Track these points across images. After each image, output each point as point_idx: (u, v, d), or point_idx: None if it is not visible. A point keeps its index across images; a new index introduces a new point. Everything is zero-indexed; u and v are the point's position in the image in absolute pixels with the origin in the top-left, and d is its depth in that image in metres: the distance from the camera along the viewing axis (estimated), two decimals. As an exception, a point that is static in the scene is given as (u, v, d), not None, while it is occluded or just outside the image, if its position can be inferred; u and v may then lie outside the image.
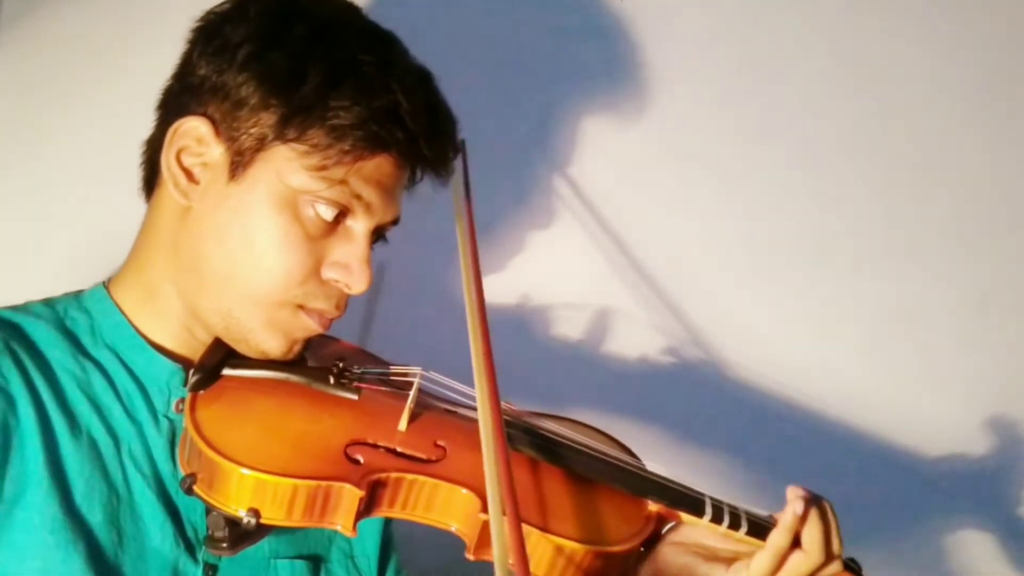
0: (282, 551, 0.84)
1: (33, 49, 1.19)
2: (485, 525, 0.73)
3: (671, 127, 1.27)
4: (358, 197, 0.78)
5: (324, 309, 0.80)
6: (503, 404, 0.86)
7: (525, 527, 0.74)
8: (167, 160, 0.79)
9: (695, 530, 0.83)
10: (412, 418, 0.81)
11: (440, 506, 0.76)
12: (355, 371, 0.85)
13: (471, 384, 0.77)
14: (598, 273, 1.27)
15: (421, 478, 0.75)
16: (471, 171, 0.92)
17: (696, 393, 1.29)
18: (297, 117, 0.75)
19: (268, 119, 0.76)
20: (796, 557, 0.79)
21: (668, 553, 0.83)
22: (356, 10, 0.84)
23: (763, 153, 1.29)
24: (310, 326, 0.81)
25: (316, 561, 0.87)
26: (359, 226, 0.80)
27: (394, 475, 0.74)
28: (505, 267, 1.24)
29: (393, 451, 0.77)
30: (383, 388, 0.86)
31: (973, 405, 1.31)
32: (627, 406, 1.21)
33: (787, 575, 0.79)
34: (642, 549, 0.83)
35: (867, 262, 1.30)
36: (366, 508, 0.73)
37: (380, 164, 0.79)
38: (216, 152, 0.78)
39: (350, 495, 0.71)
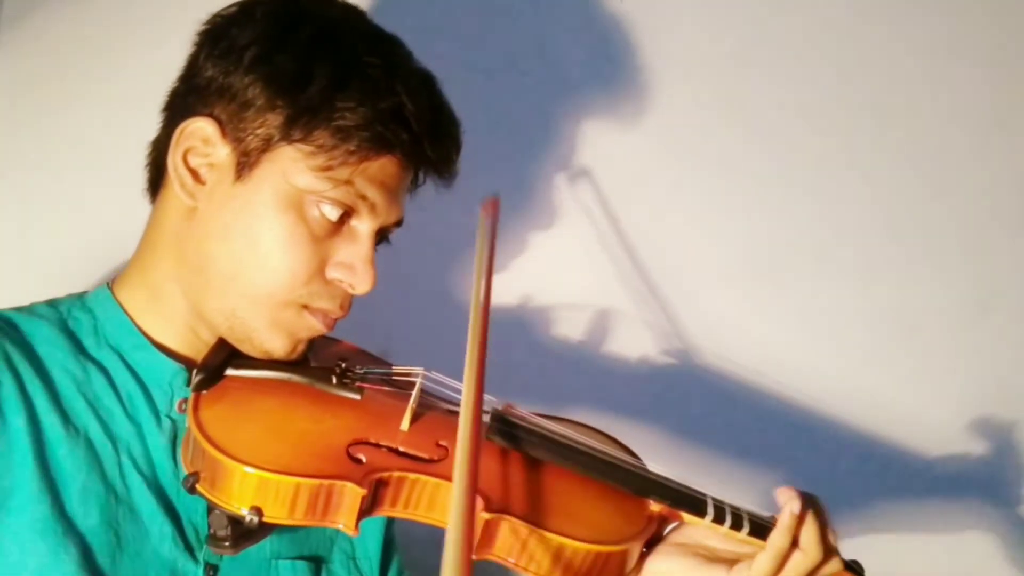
0: (283, 552, 0.84)
1: (33, 49, 1.19)
2: (486, 524, 0.74)
3: (672, 128, 1.27)
4: (363, 198, 0.79)
5: (328, 309, 0.81)
6: (504, 404, 0.86)
7: (527, 526, 0.75)
8: (173, 160, 0.79)
9: (697, 531, 0.83)
10: (414, 418, 0.82)
11: (442, 505, 0.76)
12: (358, 371, 0.86)
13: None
14: (599, 274, 1.27)
15: (423, 478, 0.75)
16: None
17: (697, 394, 1.29)
18: (303, 118, 0.76)
19: (274, 120, 0.76)
20: (795, 557, 0.79)
21: (670, 553, 0.83)
22: (361, 13, 0.85)
23: (764, 154, 1.29)
24: (314, 326, 0.81)
25: (317, 562, 0.87)
26: (364, 227, 0.80)
27: (396, 474, 0.75)
28: (506, 268, 1.24)
29: (395, 451, 0.77)
30: (385, 388, 0.86)
31: (973, 406, 1.31)
32: (628, 407, 1.21)
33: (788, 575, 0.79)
34: (644, 550, 0.83)
35: (868, 263, 1.31)
36: (368, 507, 0.73)
37: (385, 165, 0.79)
38: (222, 153, 0.78)
39: (352, 494, 0.72)
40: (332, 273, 0.80)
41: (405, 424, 0.81)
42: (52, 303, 0.84)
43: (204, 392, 0.78)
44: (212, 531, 0.74)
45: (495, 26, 1.26)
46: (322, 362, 0.86)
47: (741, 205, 1.29)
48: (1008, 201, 1.32)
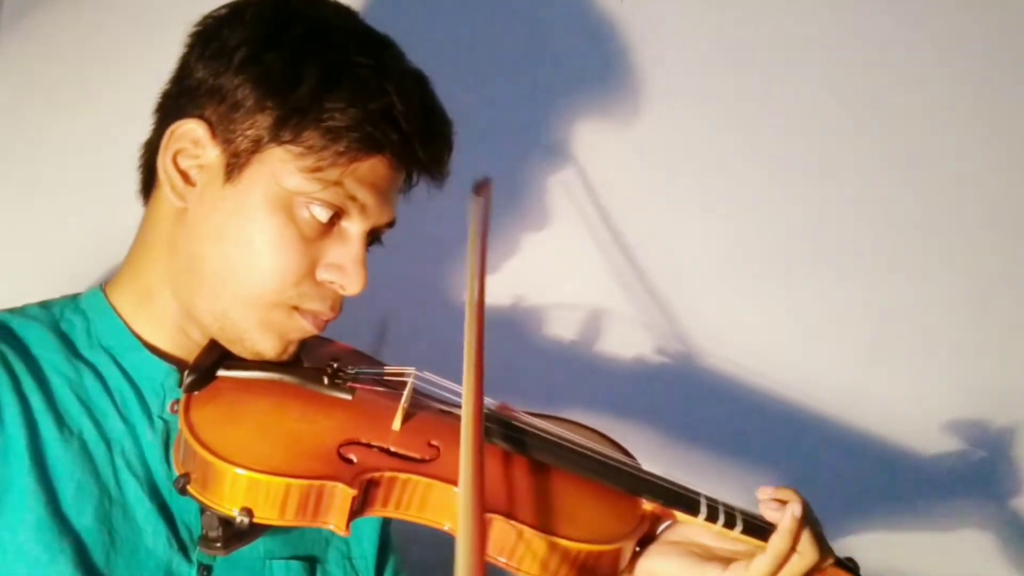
0: (278, 552, 0.84)
1: (33, 49, 1.19)
2: None
3: (667, 128, 1.27)
4: (353, 199, 0.78)
5: (319, 310, 0.81)
6: (498, 404, 0.86)
7: (518, 525, 0.75)
8: (163, 162, 0.79)
9: (691, 529, 0.83)
10: (406, 418, 0.81)
11: (433, 505, 0.76)
12: (349, 371, 0.86)
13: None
14: (593, 273, 1.27)
15: (415, 477, 0.75)
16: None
17: (691, 393, 1.29)
18: (292, 119, 0.75)
19: (264, 121, 0.76)
20: (792, 560, 0.79)
21: (663, 552, 0.83)
22: (351, 13, 0.84)
23: (762, 154, 1.29)
24: (305, 327, 0.81)
25: (312, 562, 0.87)
26: (354, 228, 0.80)
27: (387, 474, 0.75)
28: (500, 268, 1.24)
29: (387, 451, 0.77)
30: (377, 388, 0.86)
31: (972, 406, 1.31)
32: (622, 406, 1.21)
33: None
34: (637, 548, 0.83)
35: (865, 262, 1.31)
36: (359, 508, 0.74)
37: (375, 166, 0.79)
38: (212, 154, 0.78)
39: (343, 494, 0.72)
40: (323, 274, 0.80)
41: (397, 424, 0.81)
42: (45, 305, 0.84)
43: (195, 393, 0.78)
44: (204, 532, 0.75)
45: (489, 26, 1.26)
46: (314, 362, 0.86)
47: (738, 204, 1.28)
48: (1008, 201, 1.32)
